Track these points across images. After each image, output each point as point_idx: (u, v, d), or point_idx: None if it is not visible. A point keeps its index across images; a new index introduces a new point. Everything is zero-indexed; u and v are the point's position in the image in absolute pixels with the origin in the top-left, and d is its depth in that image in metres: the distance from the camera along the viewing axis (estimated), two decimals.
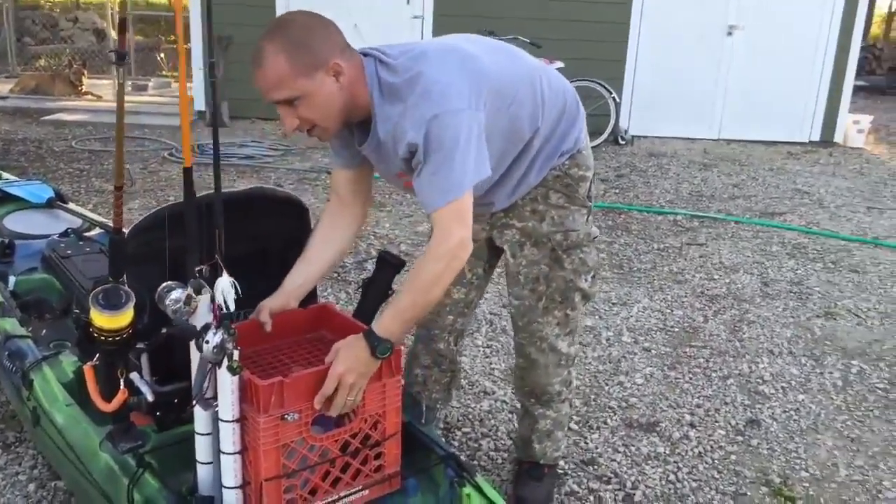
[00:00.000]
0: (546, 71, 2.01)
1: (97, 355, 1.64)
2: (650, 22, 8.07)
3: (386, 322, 1.71)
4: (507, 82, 1.86)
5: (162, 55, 11.03)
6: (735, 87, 8.30)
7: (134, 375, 1.81)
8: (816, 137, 8.52)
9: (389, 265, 2.05)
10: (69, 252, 2.88)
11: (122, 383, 1.75)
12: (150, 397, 1.82)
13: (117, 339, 1.56)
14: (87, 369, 1.77)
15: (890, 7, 19.39)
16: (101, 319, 1.54)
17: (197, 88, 8.04)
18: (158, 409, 1.85)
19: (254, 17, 6.51)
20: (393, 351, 1.71)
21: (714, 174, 6.93)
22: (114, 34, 10.63)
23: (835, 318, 3.84)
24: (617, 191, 6.17)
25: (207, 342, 1.54)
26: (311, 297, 2.06)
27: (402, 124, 1.72)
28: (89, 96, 8.66)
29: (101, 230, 3.14)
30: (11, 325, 2.45)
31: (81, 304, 2.47)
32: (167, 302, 1.56)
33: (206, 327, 1.56)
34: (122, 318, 1.56)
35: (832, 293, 4.17)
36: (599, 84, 7.57)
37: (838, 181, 6.85)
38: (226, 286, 1.55)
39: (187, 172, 1.61)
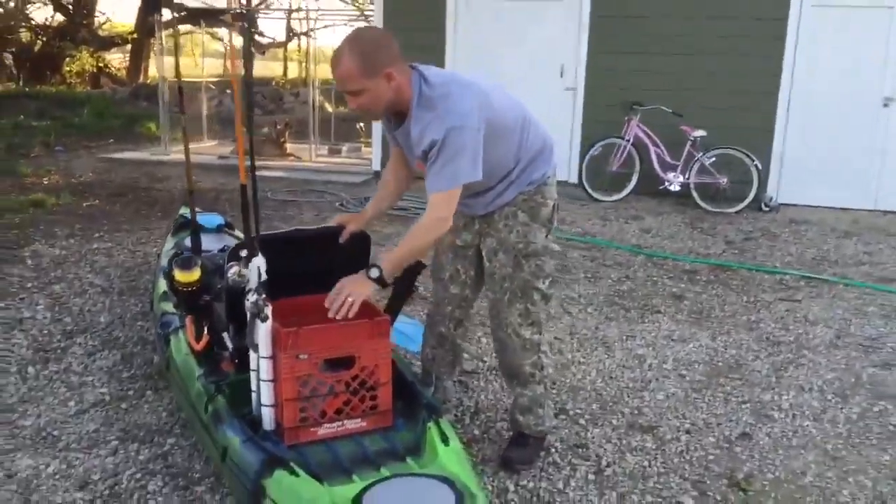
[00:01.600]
0: (534, 122, 2.75)
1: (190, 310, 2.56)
2: (800, 91, 8.27)
3: (383, 258, 2.50)
4: (503, 118, 2.62)
5: (361, 124, 12.54)
6: (894, 157, 8.27)
7: (224, 335, 2.73)
8: None
9: (412, 267, 2.84)
10: (219, 262, 3.90)
11: (206, 331, 2.66)
12: (230, 348, 2.72)
13: (190, 290, 2.46)
14: (188, 319, 2.69)
15: None
16: (179, 275, 2.46)
17: (375, 152, 9.30)
18: (237, 357, 2.74)
19: None
20: (381, 276, 2.46)
21: (851, 242, 7.00)
22: (328, 107, 12.40)
23: (890, 369, 4.05)
24: (736, 251, 6.49)
25: (248, 300, 2.39)
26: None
27: (430, 126, 2.48)
28: (291, 157, 10.18)
29: None
30: (168, 306, 3.47)
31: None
32: (228, 274, 2.44)
33: (249, 290, 2.41)
34: (192, 275, 2.46)
35: None
36: (741, 152, 7.90)
37: None
38: (260, 263, 2.40)
39: (243, 188, 2.47)
